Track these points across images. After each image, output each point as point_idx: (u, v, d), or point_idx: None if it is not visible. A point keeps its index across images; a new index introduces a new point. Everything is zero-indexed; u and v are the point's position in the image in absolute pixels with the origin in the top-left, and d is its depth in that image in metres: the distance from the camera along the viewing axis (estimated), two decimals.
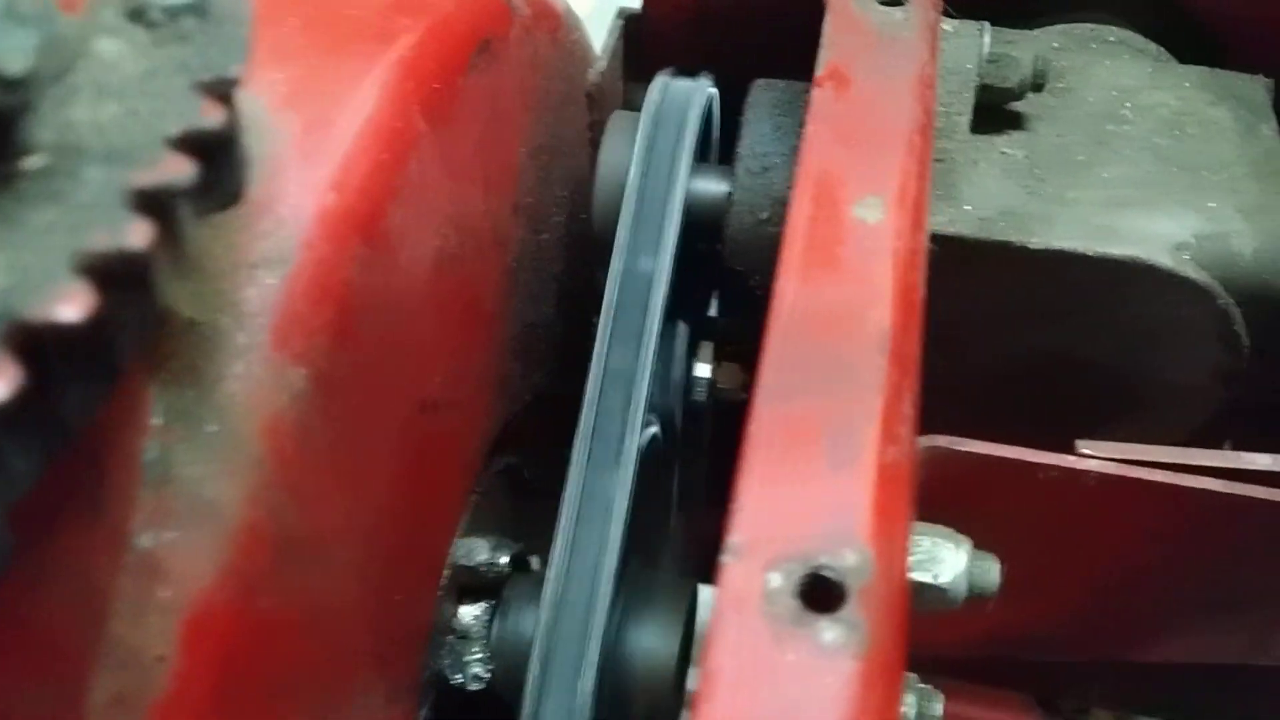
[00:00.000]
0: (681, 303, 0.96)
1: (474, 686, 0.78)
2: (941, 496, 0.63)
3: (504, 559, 0.82)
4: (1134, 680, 1.24)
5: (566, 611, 0.75)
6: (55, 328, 0.27)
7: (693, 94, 0.88)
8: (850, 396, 0.48)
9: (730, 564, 0.43)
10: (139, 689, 0.44)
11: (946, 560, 0.58)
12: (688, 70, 0.96)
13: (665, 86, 0.89)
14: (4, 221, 0.29)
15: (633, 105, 1.02)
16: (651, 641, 0.79)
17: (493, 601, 0.82)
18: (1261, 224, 0.74)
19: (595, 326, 0.81)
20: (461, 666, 0.79)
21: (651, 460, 0.91)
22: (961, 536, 0.59)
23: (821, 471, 0.46)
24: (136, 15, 0.35)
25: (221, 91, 0.34)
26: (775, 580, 0.42)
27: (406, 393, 0.62)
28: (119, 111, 0.33)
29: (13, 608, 0.39)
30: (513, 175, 0.76)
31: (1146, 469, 0.60)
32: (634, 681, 0.78)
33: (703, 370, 0.99)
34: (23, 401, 0.27)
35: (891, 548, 0.45)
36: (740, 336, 0.88)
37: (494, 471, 0.87)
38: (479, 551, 0.81)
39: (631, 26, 1.01)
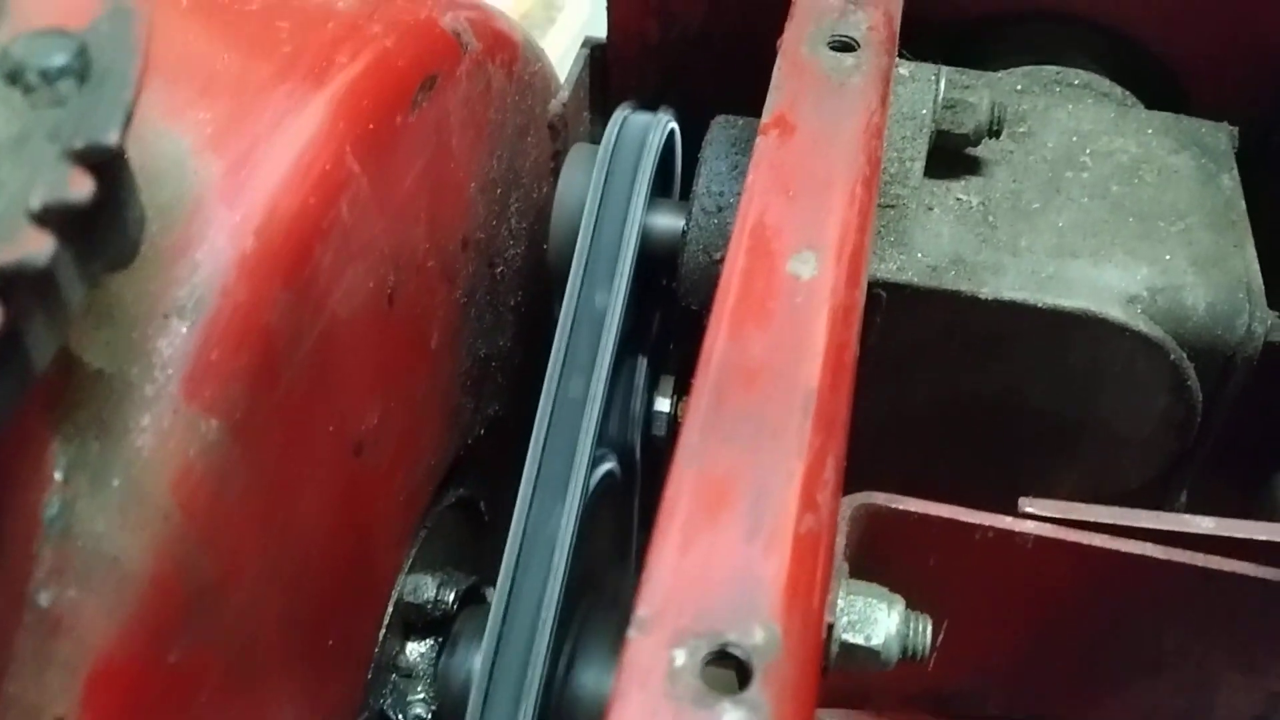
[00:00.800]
0: (641, 336, 0.95)
1: None
2: (877, 554, 0.62)
3: (451, 595, 0.81)
4: None
5: (508, 651, 0.74)
6: None
7: (651, 128, 0.87)
8: (770, 463, 0.48)
9: (635, 639, 0.42)
10: None
11: (879, 621, 0.57)
12: (650, 103, 0.95)
13: (624, 121, 0.88)
14: None
15: (597, 137, 1.02)
16: (599, 682, 0.78)
17: (440, 638, 0.81)
18: (1214, 277, 0.74)
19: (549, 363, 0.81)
20: (404, 706, 0.79)
21: (607, 495, 0.90)
22: (895, 596, 0.58)
23: (735, 542, 0.45)
24: (13, 78, 0.34)
25: (95, 160, 0.33)
26: (680, 658, 0.41)
27: (337, 434, 0.61)
28: None
29: None
30: (462, 210, 0.75)
31: (1084, 532, 0.59)
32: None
33: (663, 404, 0.98)
34: None
35: (803, 623, 0.44)
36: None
37: (445, 504, 0.86)
38: (425, 589, 0.80)
39: (597, 55, 1.00)
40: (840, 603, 0.57)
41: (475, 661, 0.77)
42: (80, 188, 0.32)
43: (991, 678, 0.69)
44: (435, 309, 0.73)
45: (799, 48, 0.69)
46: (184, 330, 0.49)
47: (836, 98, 0.66)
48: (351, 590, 0.69)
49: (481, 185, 0.78)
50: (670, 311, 0.97)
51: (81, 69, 0.35)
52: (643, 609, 0.43)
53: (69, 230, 0.32)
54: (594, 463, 0.81)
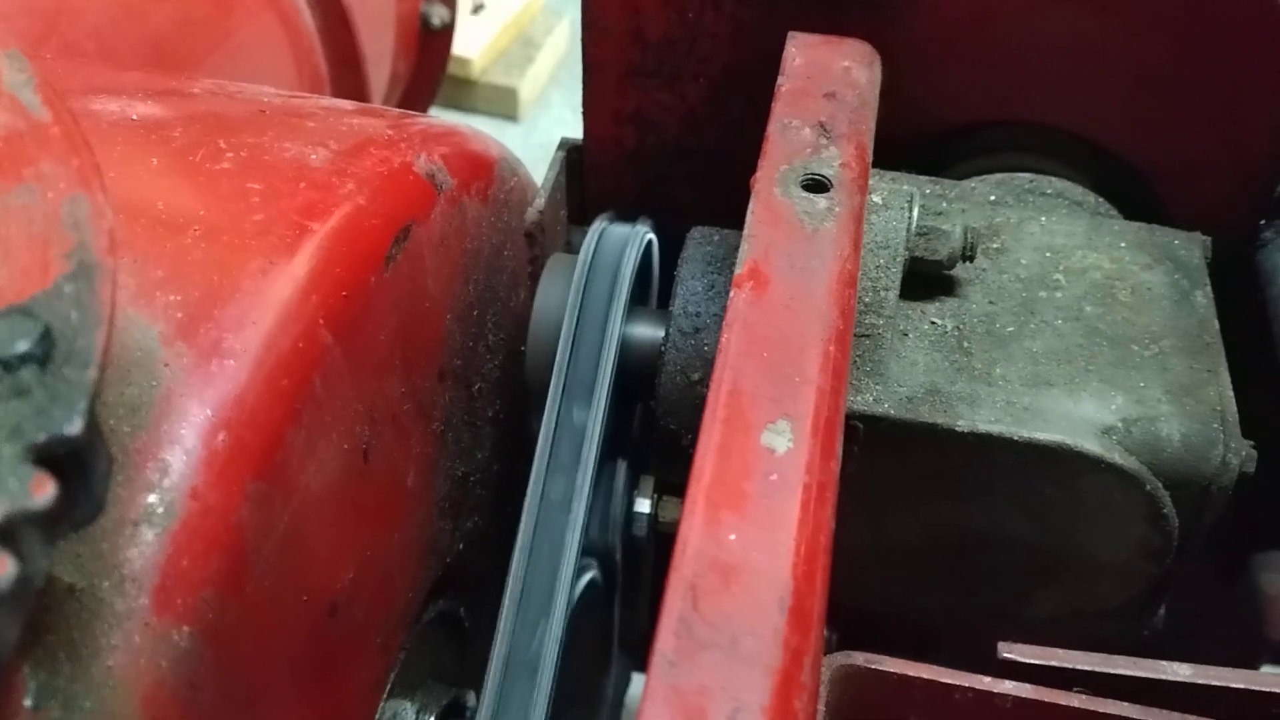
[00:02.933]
0: (620, 440, 0.95)
1: None
2: (855, 711, 0.62)
3: (431, 718, 0.81)
4: None
5: None
6: None
7: (629, 243, 0.87)
8: (744, 672, 0.47)
9: None
10: None
11: None
12: (628, 207, 0.95)
13: (601, 233, 0.88)
14: None
15: (574, 240, 1.02)
16: None
17: None
18: (1189, 407, 0.74)
19: (530, 475, 0.81)
20: None
21: (589, 603, 0.90)
22: None
23: None
24: None
25: (59, 451, 0.33)
26: None
27: (308, 606, 0.61)
28: None
29: None
30: (437, 346, 0.75)
31: (1063, 694, 0.59)
32: None
33: (643, 505, 0.98)
34: None
35: None
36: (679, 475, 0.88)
37: (426, 622, 0.86)
38: (404, 714, 0.80)
39: (574, 158, 1.00)
40: None
41: None
42: (43, 492, 0.32)
43: None
44: (411, 449, 0.73)
45: (772, 189, 0.69)
46: (152, 539, 0.48)
47: (810, 247, 0.66)
48: None
49: (457, 314, 0.78)
50: (649, 415, 0.97)
51: (43, 354, 0.34)
52: None
53: (32, 529, 0.32)
54: (577, 574, 0.81)
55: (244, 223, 0.60)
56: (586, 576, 0.89)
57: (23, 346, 0.34)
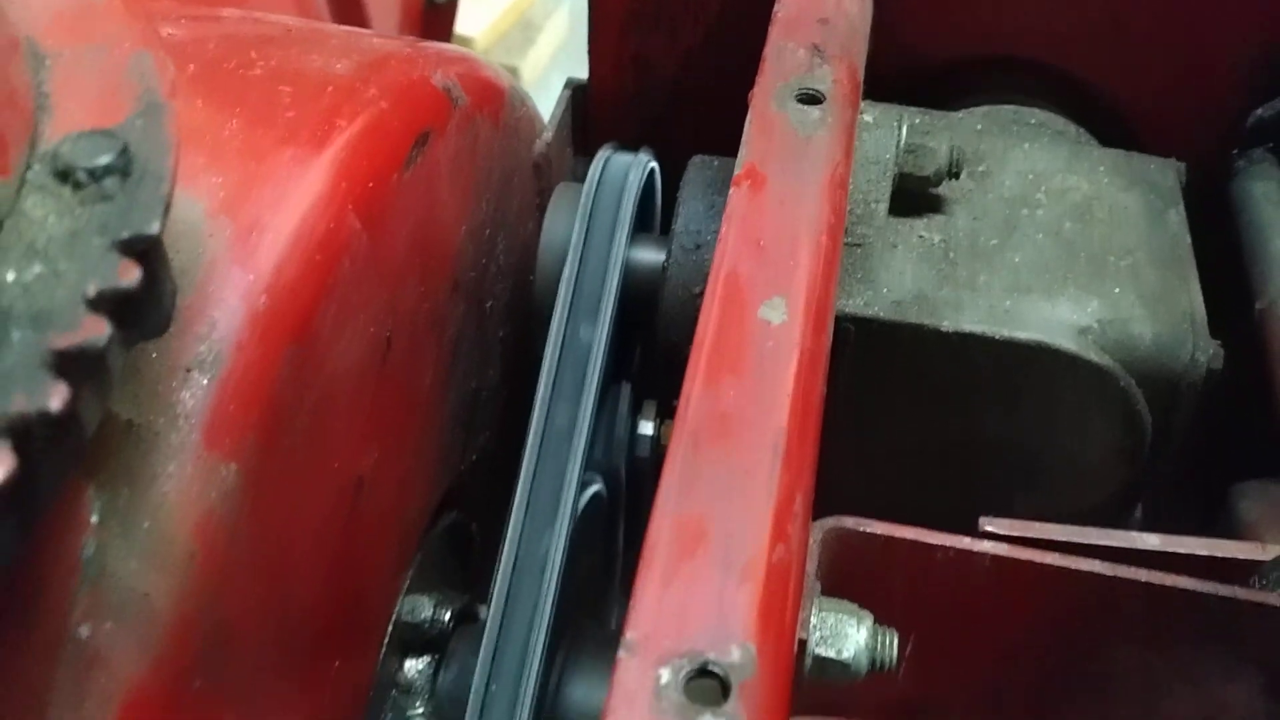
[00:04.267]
0: (624, 364, 1.00)
1: None
2: (846, 574, 0.66)
3: (447, 614, 0.85)
4: None
5: (502, 666, 0.78)
6: None
7: (632, 169, 0.92)
8: (744, 502, 0.52)
9: (624, 659, 0.47)
10: None
11: (848, 636, 0.61)
12: (631, 139, 1.00)
13: (606, 161, 0.93)
14: None
15: (578, 173, 1.07)
16: (589, 696, 0.82)
17: (436, 655, 0.85)
18: (1160, 311, 0.78)
19: (538, 392, 0.85)
20: None
21: (594, 516, 0.95)
22: (864, 613, 0.62)
23: (713, 573, 0.49)
24: (63, 176, 0.39)
25: (139, 249, 0.38)
26: (665, 676, 0.46)
27: (338, 475, 0.65)
28: (44, 272, 0.36)
29: None
30: (452, 256, 0.80)
31: (1038, 551, 0.64)
32: None
33: (646, 428, 1.03)
34: None
35: (776, 642, 0.48)
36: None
37: (440, 529, 0.90)
38: (422, 609, 0.84)
39: (578, 96, 1.05)
40: (813, 620, 0.61)
41: (471, 677, 0.81)
42: (129, 276, 0.37)
43: (956, 689, 0.73)
44: (428, 351, 0.78)
45: (768, 102, 0.74)
46: (204, 383, 0.53)
47: (803, 152, 0.70)
48: (354, 618, 0.73)
49: (470, 230, 0.83)
50: (652, 339, 1.02)
51: (124, 166, 0.39)
52: (630, 634, 0.47)
53: (119, 312, 0.36)
54: (582, 486, 0.85)
55: (277, 119, 0.64)
56: (592, 489, 0.94)
57: (106, 159, 0.39)
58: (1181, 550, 0.67)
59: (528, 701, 0.75)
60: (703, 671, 0.46)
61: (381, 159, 0.67)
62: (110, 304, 0.36)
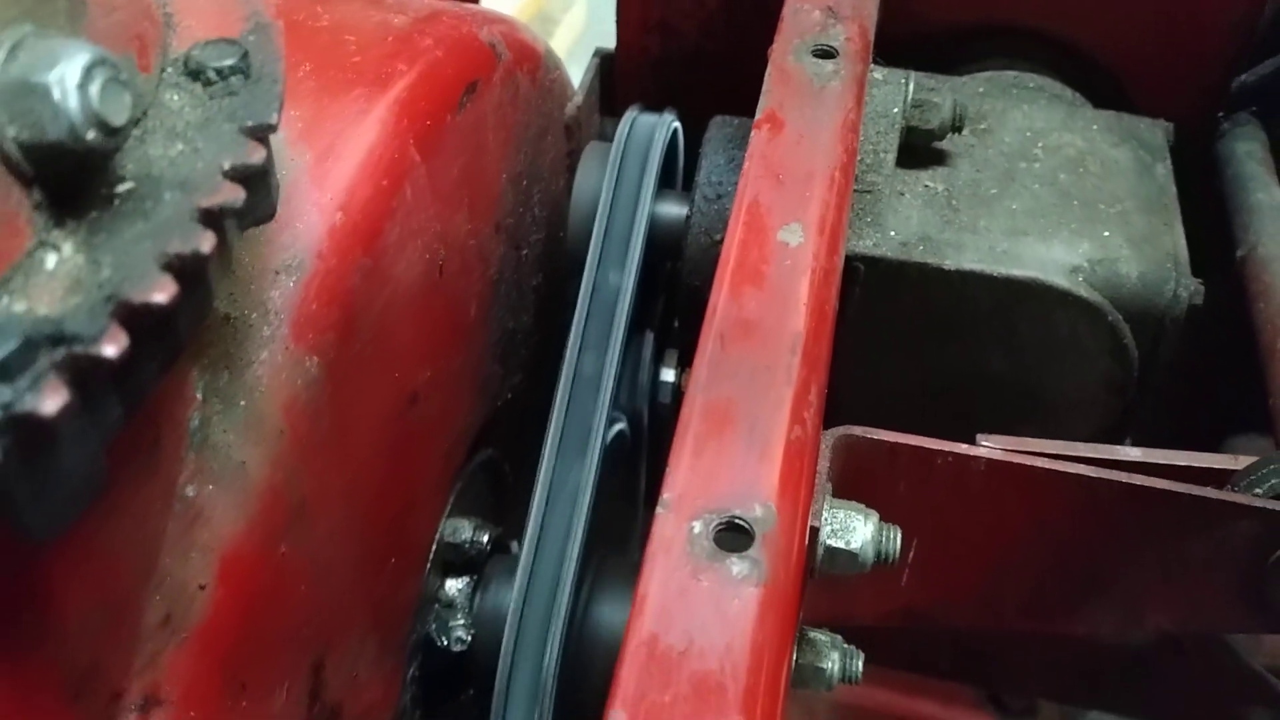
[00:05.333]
0: (647, 314, 1.07)
1: (457, 648, 0.88)
2: (854, 478, 0.73)
3: (485, 537, 0.92)
4: (1059, 670, 1.36)
5: (537, 588, 0.85)
6: (149, 307, 0.37)
7: (658, 127, 0.99)
8: (766, 390, 0.59)
9: (662, 514, 0.54)
10: (184, 613, 0.54)
11: (856, 530, 0.68)
12: (655, 105, 1.07)
13: (633, 121, 1.00)
14: (107, 231, 0.39)
15: (606, 137, 1.14)
16: (614, 616, 0.89)
17: (475, 576, 0.92)
18: (1146, 252, 0.85)
19: (569, 335, 0.92)
20: (446, 631, 0.90)
21: (619, 454, 1.01)
22: (871, 510, 0.69)
23: (739, 447, 0.56)
24: (195, 74, 0.46)
25: (261, 135, 0.45)
26: (697, 528, 0.53)
27: (397, 385, 0.72)
28: (185, 150, 0.43)
29: (86, 540, 0.49)
30: (494, 199, 0.87)
31: (1029, 455, 0.71)
32: (598, 650, 0.88)
33: (668, 375, 1.10)
34: (122, 363, 0.38)
35: (793, 504, 0.55)
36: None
37: (476, 463, 0.97)
38: (463, 530, 0.91)
39: (606, 64, 1.12)
40: (824, 514, 0.68)
41: (508, 595, 0.88)
42: (256, 154, 0.44)
43: (955, 595, 0.80)
44: (473, 284, 0.85)
45: (786, 56, 0.81)
46: (290, 284, 0.60)
47: (818, 99, 0.77)
48: (405, 523, 0.80)
49: (510, 177, 0.90)
50: (674, 294, 1.09)
51: (245, 68, 0.46)
52: (666, 494, 0.54)
53: (248, 185, 0.43)
54: (609, 423, 0.92)
55: (345, 63, 0.71)
56: (617, 427, 1.01)
57: (230, 61, 0.46)
58: (1160, 460, 0.73)
59: (562, 613, 0.82)
60: (730, 524, 0.54)
61: (437, 100, 0.74)
62: (241, 176, 0.43)
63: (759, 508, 0.54)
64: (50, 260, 0.38)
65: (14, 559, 0.44)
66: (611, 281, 0.96)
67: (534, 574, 0.86)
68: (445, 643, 0.89)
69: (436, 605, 0.90)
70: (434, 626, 0.89)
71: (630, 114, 1.01)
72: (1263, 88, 0.99)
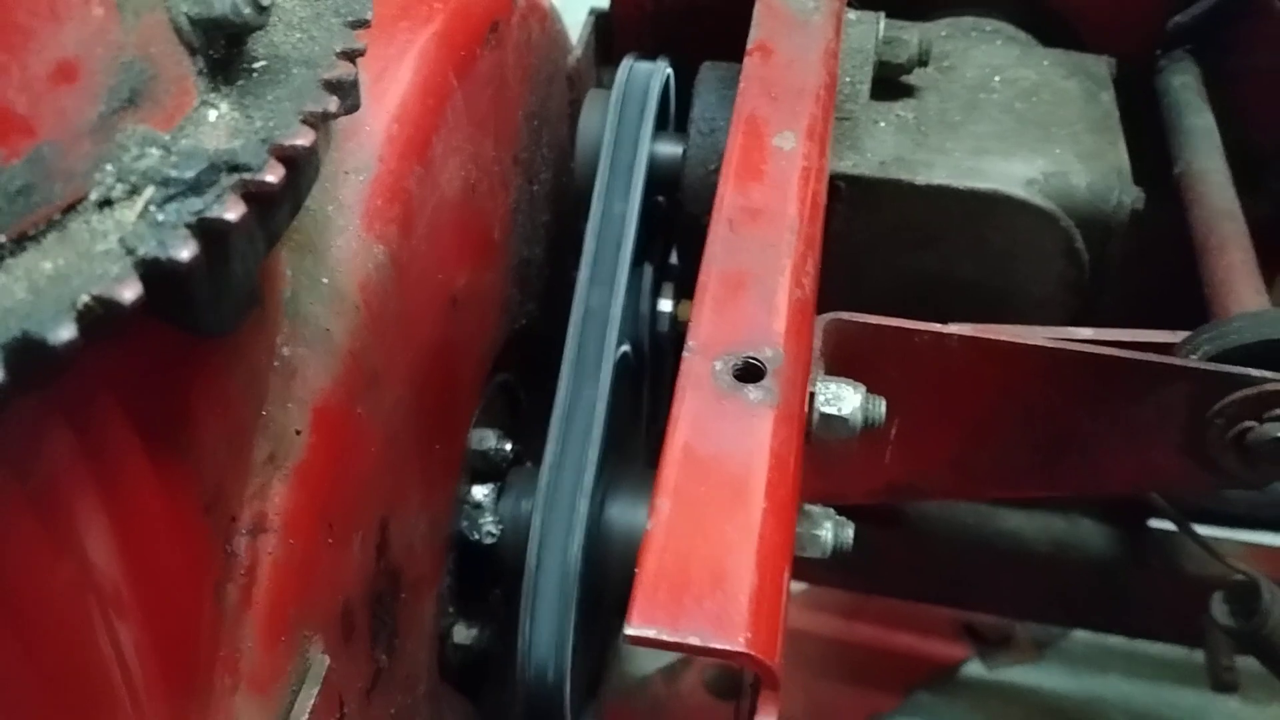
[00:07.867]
0: (648, 249, 1.17)
1: (487, 541, 0.98)
2: (844, 358, 0.84)
3: (509, 446, 1.02)
4: (1033, 591, 1.47)
5: (559, 489, 0.95)
6: (296, 149, 0.47)
7: (653, 74, 1.10)
8: (770, 261, 0.70)
9: (689, 356, 0.64)
10: (285, 452, 0.64)
11: (846, 399, 0.78)
12: (649, 54, 1.17)
13: (630, 68, 1.10)
14: (253, 94, 0.49)
15: (603, 85, 1.24)
16: (626, 515, 0.99)
17: (499, 483, 1.02)
18: (1094, 166, 0.96)
19: (576, 272, 1.02)
20: (477, 527, 0.99)
21: (625, 374, 1.12)
22: (859, 384, 0.79)
23: (751, 304, 0.67)
24: None
25: (360, 26, 0.55)
26: (719, 365, 0.63)
27: (442, 285, 0.82)
28: (303, 37, 0.53)
29: (216, 379, 0.59)
30: (514, 133, 0.97)
31: (994, 329, 0.81)
32: (613, 546, 0.98)
33: (665, 305, 1.20)
34: (277, 191, 0.47)
35: (796, 347, 0.66)
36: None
37: (496, 383, 1.07)
38: (489, 439, 1.01)
39: (601, 22, 1.22)
40: (819, 386, 0.78)
41: (529, 500, 0.97)
42: (360, 40, 0.54)
43: (934, 465, 0.90)
44: (497, 207, 0.95)
45: None
46: (359, 181, 0.70)
47: (803, 30, 0.88)
48: (448, 416, 0.90)
49: (525, 115, 1.00)
50: (670, 230, 1.19)
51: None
52: (692, 342, 0.64)
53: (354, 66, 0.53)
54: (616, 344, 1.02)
55: (390, 6, 0.81)
56: (622, 349, 1.11)
57: None
58: (1109, 338, 0.84)
59: (583, 513, 0.92)
60: (745, 363, 0.64)
61: (469, 35, 0.84)
62: (350, 57, 0.53)
63: (769, 350, 0.64)
64: (212, 115, 0.48)
65: (175, 383, 0.54)
66: (616, 210, 1.06)
67: (557, 476, 0.95)
68: (477, 536, 0.99)
69: (466, 505, 1.00)
70: (465, 524, 0.99)
71: (628, 61, 1.11)
72: (1195, 27, 1.10)
